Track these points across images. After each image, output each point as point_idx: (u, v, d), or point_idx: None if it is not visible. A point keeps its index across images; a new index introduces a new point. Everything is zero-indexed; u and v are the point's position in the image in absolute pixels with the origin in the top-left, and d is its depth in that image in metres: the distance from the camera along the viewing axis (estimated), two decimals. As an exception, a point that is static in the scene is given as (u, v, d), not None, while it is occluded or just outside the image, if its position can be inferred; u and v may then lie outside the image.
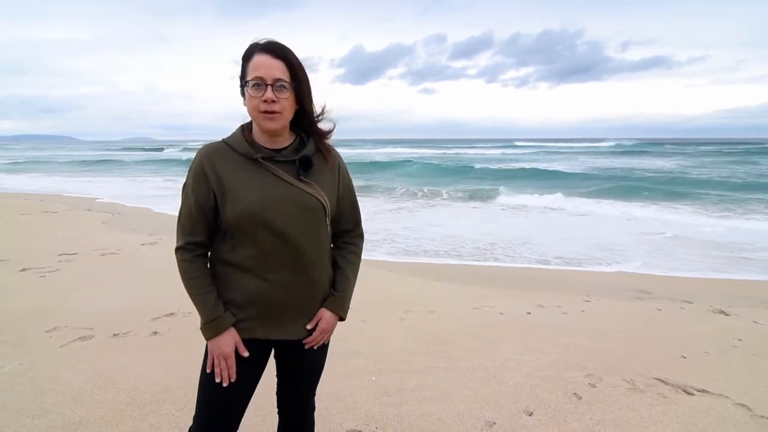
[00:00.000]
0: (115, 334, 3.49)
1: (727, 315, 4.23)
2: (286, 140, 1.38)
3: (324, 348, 1.52)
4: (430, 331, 3.70)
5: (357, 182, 1.71)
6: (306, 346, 1.44)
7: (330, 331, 1.47)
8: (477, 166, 27.85)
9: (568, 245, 7.65)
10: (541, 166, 28.74)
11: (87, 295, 4.40)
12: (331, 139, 1.47)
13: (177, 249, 1.36)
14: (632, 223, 10.01)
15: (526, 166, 28.82)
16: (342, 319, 1.49)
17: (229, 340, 1.33)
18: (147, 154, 51.94)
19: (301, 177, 1.35)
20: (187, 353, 3.14)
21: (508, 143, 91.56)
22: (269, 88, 1.25)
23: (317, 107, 1.41)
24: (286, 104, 1.29)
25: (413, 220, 10.40)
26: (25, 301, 4.20)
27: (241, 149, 1.33)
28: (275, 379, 1.55)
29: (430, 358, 3.20)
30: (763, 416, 2.53)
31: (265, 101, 1.26)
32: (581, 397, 2.69)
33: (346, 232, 1.53)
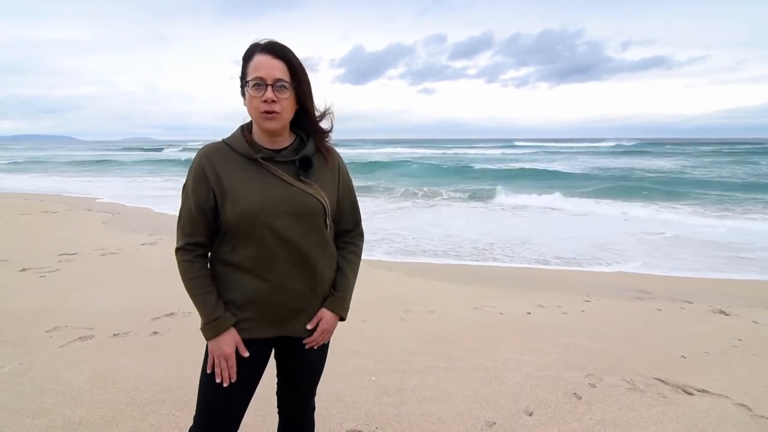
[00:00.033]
0: (115, 334, 3.49)
1: (727, 315, 4.24)
2: (286, 140, 1.38)
3: (324, 348, 1.52)
4: (431, 331, 3.70)
5: (357, 182, 1.71)
6: (306, 346, 1.44)
7: (330, 331, 1.47)
8: (477, 166, 27.85)
9: (567, 245, 7.65)
10: (541, 166, 28.75)
11: (87, 295, 4.40)
12: (331, 139, 1.47)
13: (177, 249, 1.36)
14: (631, 223, 10.01)
15: (526, 166, 28.84)
16: (342, 319, 1.49)
17: (230, 341, 1.33)
18: (146, 154, 51.95)
19: (301, 177, 1.35)
20: (187, 353, 3.14)
21: (507, 143, 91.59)
22: (269, 88, 1.25)
23: (319, 107, 1.41)
24: (286, 104, 1.29)
25: (412, 220, 10.40)
26: (25, 301, 4.20)
27: (240, 149, 1.33)
28: (275, 379, 1.55)
29: (431, 358, 3.20)
30: (763, 416, 2.53)
31: (266, 101, 1.26)
32: (581, 397, 2.69)
33: (346, 232, 1.53)
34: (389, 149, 61.41)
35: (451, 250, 7.26)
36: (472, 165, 28.92)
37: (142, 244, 6.74)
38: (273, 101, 1.26)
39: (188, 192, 1.34)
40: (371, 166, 27.30)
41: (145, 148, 74.75)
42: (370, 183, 18.88)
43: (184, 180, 1.38)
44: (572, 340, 3.56)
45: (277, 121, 1.30)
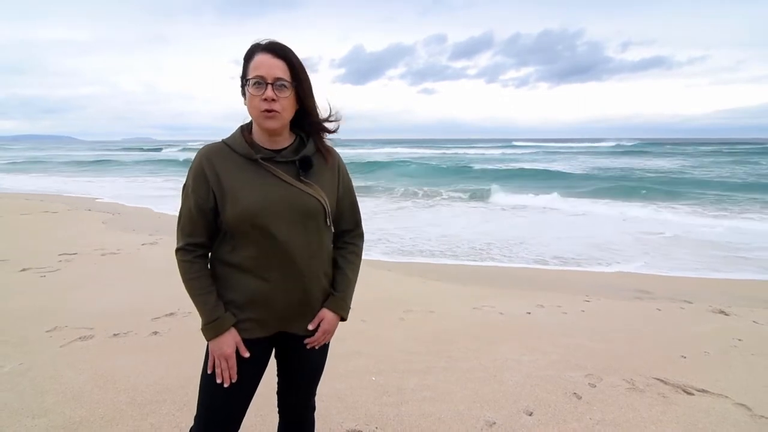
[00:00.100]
0: (115, 334, 3.49)
1: (726, 315, 4.24)
2: (285, 140, 1.38)
3: (324, 348, 1.52)
4: (430, 331, 3.70)
5: (357, 182, 1.71)
6: (308, 347, 1.45)
7: (332, 331, 1.47)
8: (476, 166, 27.86)
9: (565, 245, 7.65)
10: (541, 166, 28.76)
11: (87, 295, 4.40)
12: (331, 139, 1.47)
13: (177, 250, 1.36)
14: (630, 223, 10.00)
15: (526, 166, 28.84)
16: (343, 319, 1.49)
17: (230, 341, 1.33)
18: (146, 154, 51.94)
19: (301, 177, 1.35)
20: (187, 353, 3.14)
21: (507, 143, 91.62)
22: (269, 86, 1.26)
23: (321, 108, 1.41)
24: (285, 103, 1.29)
25: (411, 220, 10.40)
26: (25, 301, 4.20)
27: (240, 150, 1.33)
28: (276, 379, 1.56)
29: (430, 358, 3.21)
30: (763, 416, 2.53)
31: (265, 100, 1.26)
32: (581, 397, 2.70)
33: (346, 232, 1.53)
34: (389, 149, 61.41)
35: (448, 250, 7.26)
36: (471, 165, 28.93)
37: (142, 244, 6.74)
38: (273, 100, 1.26)
39: (188, 192, 1.34)
40: (371, 166, 27.30)
41: (144, 148, 74.74)
42: (369, 183, 18.89)
43: (183, 180, 1.38)
44: (572, 340, 3.56)
45: (277, 120, 1.30)
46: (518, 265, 6.47)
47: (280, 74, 1.26)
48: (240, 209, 1.29)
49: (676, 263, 6.58)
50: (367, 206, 12.19)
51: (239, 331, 1.35)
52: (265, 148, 1.35)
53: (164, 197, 13.97)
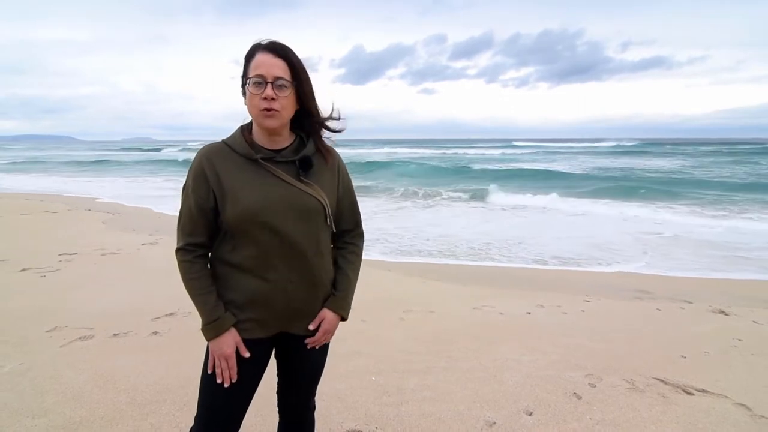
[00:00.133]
0: (115, 334, 3.49)
1: (726, 315, 4.24)
2: (285, 140, 1.38)
3: (325, 348, 1.52)
4: (430, 331, 3.70)
5: (357, 182, 1.71)
6: (308, 347, 1.45)
7: (332, 331, 1.47)
8: (476, 166, 27.87)
9: (564, 245, 7.65)
10: (541, 166, 28.76)
11: (87, 295, 4.40)
12: (331, 139, 1.47)
13: (177, 250, 1.36)
14: (629, 223, 10.01)
15: (526, 166, 28.84)
16: (344, 319, 1.50)
17: (230, 341, 1.33)
18: (146, 154, 51.93)
19: (301, 177, 1.35)
20: (187, 353, 3.14)
21: (507, 143, 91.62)
22: (269, 85, 1.26)
23: (324, 109, 1.41)
24: (285, 103, 1.29)
25: (411, 220, 10.40)
26: (25, 301, 4.20)
27: (240, 150, 1.33)
28: (276, 379, 1.56)
29: (430, 358, 3.21)
30: (763, 416, 2.53)
31: (265, 98, 1.26)
32: (581, 397, 2.70)
33: (346, 232, 1.53)
34: (389, 149, 61.41)
35: (448, 250, 7.26)
36: (471, 165, 28.93)
37: (142, 244, 6.74)
38: (272, 99, 1.26)
39: (188, 192, 1.34)
40: (371, 166, 27.30)
41: (144, 148, 74.73)
42: (369, 183, 18.89)
43: (183, 180, 1.38)
44: (572, 340, 3.56)
45: (276, 119, 1.30)
46: (518, 265, 6.47)
47: (280, 73, 1.27)
48: (240, 209, 1.29)
49: (676, 263, 6.58)
50: (366, 206, 12.19)
51: (239, 332, 1.35)
52: (265, 148, 1.35)
53: (164, 197, 13.97)
